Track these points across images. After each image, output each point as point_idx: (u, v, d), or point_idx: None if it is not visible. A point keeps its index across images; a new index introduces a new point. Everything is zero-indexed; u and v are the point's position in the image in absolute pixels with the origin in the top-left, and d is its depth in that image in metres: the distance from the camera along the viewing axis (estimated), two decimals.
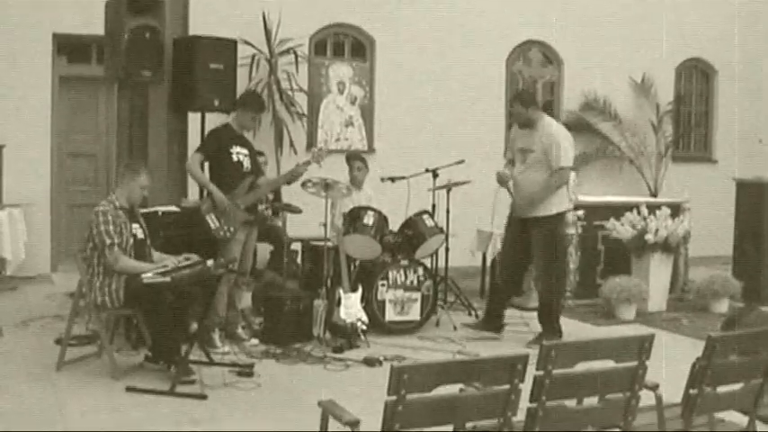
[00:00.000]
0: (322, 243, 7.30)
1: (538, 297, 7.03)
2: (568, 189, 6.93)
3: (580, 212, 8.47)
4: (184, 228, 6.58)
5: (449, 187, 7.88)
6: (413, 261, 7.20)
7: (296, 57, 9.96)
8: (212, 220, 6.33)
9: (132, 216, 5.82)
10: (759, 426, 3.79)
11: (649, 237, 8.03)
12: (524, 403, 3.14)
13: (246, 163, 6.55)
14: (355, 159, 7.90)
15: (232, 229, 6.37)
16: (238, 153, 6.51)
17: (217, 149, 6.47)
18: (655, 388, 3.52)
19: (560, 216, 6.85)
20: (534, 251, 6.82)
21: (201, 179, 6.49)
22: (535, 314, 7.08)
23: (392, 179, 7.78)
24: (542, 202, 6.71)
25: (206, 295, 5.91)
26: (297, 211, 8.38)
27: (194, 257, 5.78)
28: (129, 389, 5.30)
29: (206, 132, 6.89)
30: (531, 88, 11.71)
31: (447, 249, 7.76)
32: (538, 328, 6.97)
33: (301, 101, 10.22)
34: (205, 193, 6.58)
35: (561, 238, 6.96)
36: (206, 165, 6.51)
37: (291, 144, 9.86)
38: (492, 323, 7.03)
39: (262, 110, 6.97)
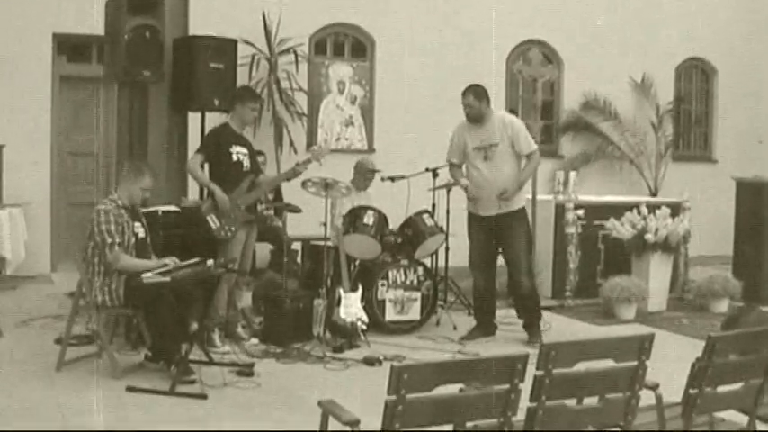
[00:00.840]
0: (322, 242, 7.30)
1: (525, 292, 6.85)
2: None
3: (580, 212, 8.47)
4: (185, 227, 6.58)
5: (449, 187, 7.87)
6: (413, 261, 7.20)
7: (296, 56, 9.97)
8: (213, 221, 6.33)
9: (134, 215, 5.82)
10: (759, 425, 3.79)
11: (649, 236, 8.03)
12: (524, 403, 3.14)
13: (246, 162, 6.53)
14: (371, 172, 7.86)
15: (233, 229, 6.37)
16: (238, 153, 6.50)
17: (216, 149, 6.46)
18: (655, 387, 3.52)
19: (525, 209, 6.97)
20: (515, 246, 6.72)
21: (203, 180, 6.49)
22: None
23: (392, 179, 7.78)
24: (522, 191, 6.77)
25: (206, 295, 5.91)
26: (297, 210, 8.38)
27: (172, 261, 5.72)
28: (129, 388, 5.30)
29: (206, 132, 6.90)
30: (531, 88, 11.75)
31: (447, 249, 7.75)
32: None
33: (301, 100, 10.22)
34: (206, 193, 6.58)
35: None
36: (206, 165, 6.51)
37: (291, 144, 9.86)
38: (486, 329, 6.98)
39: (258, 98, 6.94)
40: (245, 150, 6.55)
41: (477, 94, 6.68)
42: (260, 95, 7.04)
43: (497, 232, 6.76)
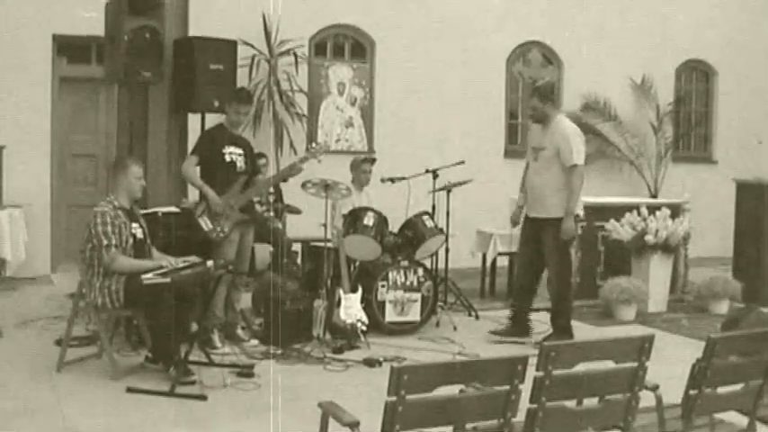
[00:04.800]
0: (322, 244, 7.29)
1: (550, 299, 6.91)
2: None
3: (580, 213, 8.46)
4: (185, 229, 6.57)
5: (449, 188, 7.88)
6: (413, 262, 7.20)
7: (296, 58, 9.97)
8: (205, 223, 6.30)
9: (132, 216, 5.81)
10: (759, 426, 3.80)
11: (649, 237, 8.03)
12: (524, 404, 3.14)
13: (240, 163, 6.48)
14: (366, 162, 7.86)
15: (225, 230, 6.33)
16: (231, 153, 6.45)
17: (209, 150, 6.41)
18: (655, 389, 3.52)
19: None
20: (546, 252, 6.72)
21: (196, 182, 6.44)
22: (535, 315, 7.08)
23: (392, 180, 7.78)
24: (558, 204, 6.60)
25: (205, 296, 5.91)
26: (297, 211, 8.38)
27: (194, 259, 5.78)
28: (129, 389, 5.30)
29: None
30: (531, 89, 11.75)
31: (447, 250, 7.76)
32: (538, 328, 6.97)
33: (301, 102, 10.22)
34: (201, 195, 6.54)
35: (571, 240, 6.80)
36: (199, 166, 6.48)
37: (291, 145, 9.86)
38: (520, 327, 6.94)
39: (244, 101, 6.61)
40: (239, 151, 6.50)
41: (540, 95, 6.77)
42: (250, 98, 6.91)
43: (536, 235, 6.79)
